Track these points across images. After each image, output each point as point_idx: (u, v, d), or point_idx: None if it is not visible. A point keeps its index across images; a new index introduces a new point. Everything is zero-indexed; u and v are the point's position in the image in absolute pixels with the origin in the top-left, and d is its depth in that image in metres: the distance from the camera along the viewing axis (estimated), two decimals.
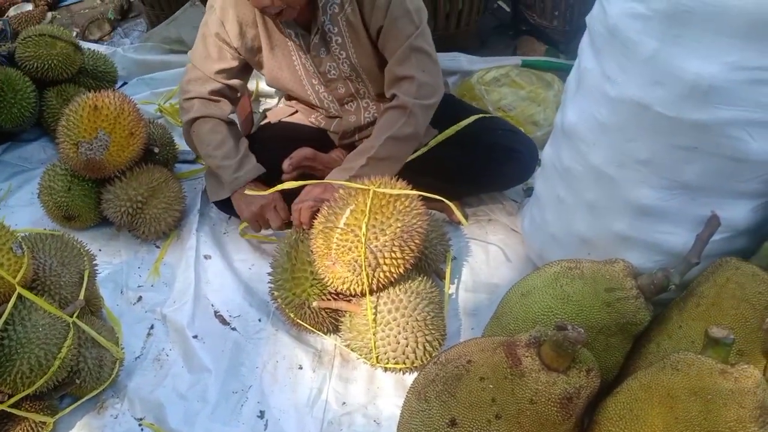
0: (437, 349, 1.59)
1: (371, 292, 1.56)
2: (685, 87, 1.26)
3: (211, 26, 1.87)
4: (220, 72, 1.93)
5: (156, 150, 2.15)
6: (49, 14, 3.75)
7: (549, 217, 1.77)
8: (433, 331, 1.57)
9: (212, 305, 1.90)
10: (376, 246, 1.51)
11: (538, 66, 2.68)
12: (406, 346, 1.55)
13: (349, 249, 1.52)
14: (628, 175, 1.45)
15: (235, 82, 1.98)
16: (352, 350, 1.66)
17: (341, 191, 1.61)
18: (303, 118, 2.16)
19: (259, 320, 1.85)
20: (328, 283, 1.59)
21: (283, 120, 2.19)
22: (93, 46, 3.02)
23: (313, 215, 1.68)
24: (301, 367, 1.72)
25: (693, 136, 1.31)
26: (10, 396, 1.42)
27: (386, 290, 1.59)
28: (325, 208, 1.61)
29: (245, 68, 2.01)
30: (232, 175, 1.90)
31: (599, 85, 1.45)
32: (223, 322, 1.85)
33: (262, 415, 1.62)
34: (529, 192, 2.15)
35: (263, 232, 2.02)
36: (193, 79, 1.95)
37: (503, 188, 2.19)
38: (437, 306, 1.62)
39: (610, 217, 1.54)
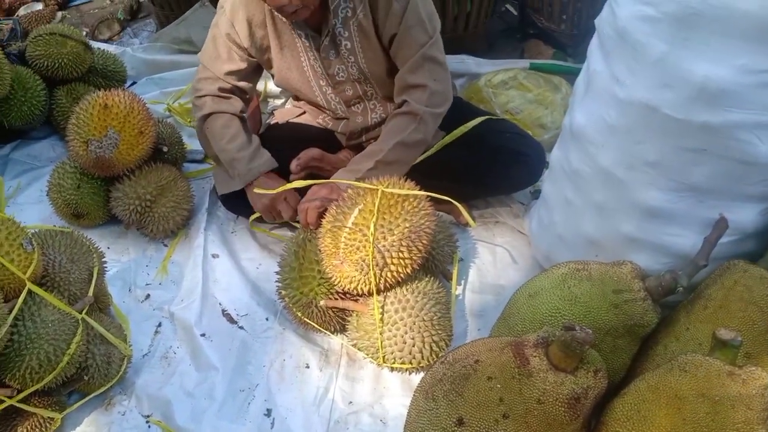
0: (443, 349, 1.59)
1: (378, 292, 1.57)
2: (694, 89, 1.26)
3: (222, 27, 1.88)
4: (229, 73, 1.94)
5: (165, 149, 2.17)
6: (59, 14, 3.77)
7: (557, 218, 1.77)
8: (439, 332, 1.57)
9: (220, 304, 1.91)
10: (383, 246, 1.52)
11: (546, 69, 2.68)
12: (413, 346, 1.56)
13: (357, 248, 1.52)
14: (637, 177, 1.45)
15: (243, 84, 1.99)
16: (358, 350, 1.66)
17: (350, 191, 1.62)
18: (310, 119, 2.17)
19: (267, 319, 1.86)
20: (336, 282, 1.60)
21: (291, 121, 2.20)
22: (102, 46, 3.04)
23: (320, 215, 1.69)
24: (308, 366, 1.73)
25: (701, 139, 1.32)
26: (19, 391, 1.43)
27: (393, 290, 1.60)
28: (334, 207, 1.62)
29: (254, 71, 2.02)
30: (246, 166, 1.92)
31: (608, 87, 1.45)
32: (231, 320, 1.86)
33: (268, 413, 1.63)
34: (536, 194, 2.15)
35: (273, 227, 2.09)
36: (204, 78, 1.97)
37: (511, 191, 2.18)
38: (444, 306, 1.63)
39: (618, 218, 1.54)
